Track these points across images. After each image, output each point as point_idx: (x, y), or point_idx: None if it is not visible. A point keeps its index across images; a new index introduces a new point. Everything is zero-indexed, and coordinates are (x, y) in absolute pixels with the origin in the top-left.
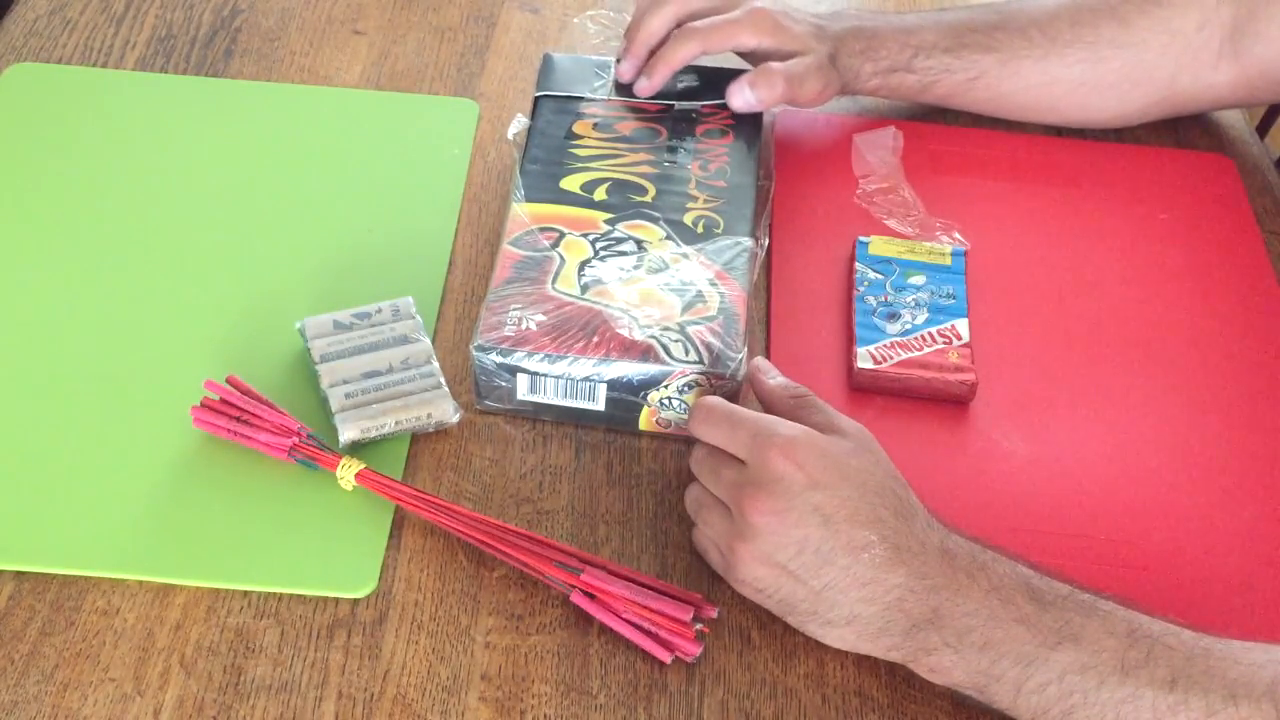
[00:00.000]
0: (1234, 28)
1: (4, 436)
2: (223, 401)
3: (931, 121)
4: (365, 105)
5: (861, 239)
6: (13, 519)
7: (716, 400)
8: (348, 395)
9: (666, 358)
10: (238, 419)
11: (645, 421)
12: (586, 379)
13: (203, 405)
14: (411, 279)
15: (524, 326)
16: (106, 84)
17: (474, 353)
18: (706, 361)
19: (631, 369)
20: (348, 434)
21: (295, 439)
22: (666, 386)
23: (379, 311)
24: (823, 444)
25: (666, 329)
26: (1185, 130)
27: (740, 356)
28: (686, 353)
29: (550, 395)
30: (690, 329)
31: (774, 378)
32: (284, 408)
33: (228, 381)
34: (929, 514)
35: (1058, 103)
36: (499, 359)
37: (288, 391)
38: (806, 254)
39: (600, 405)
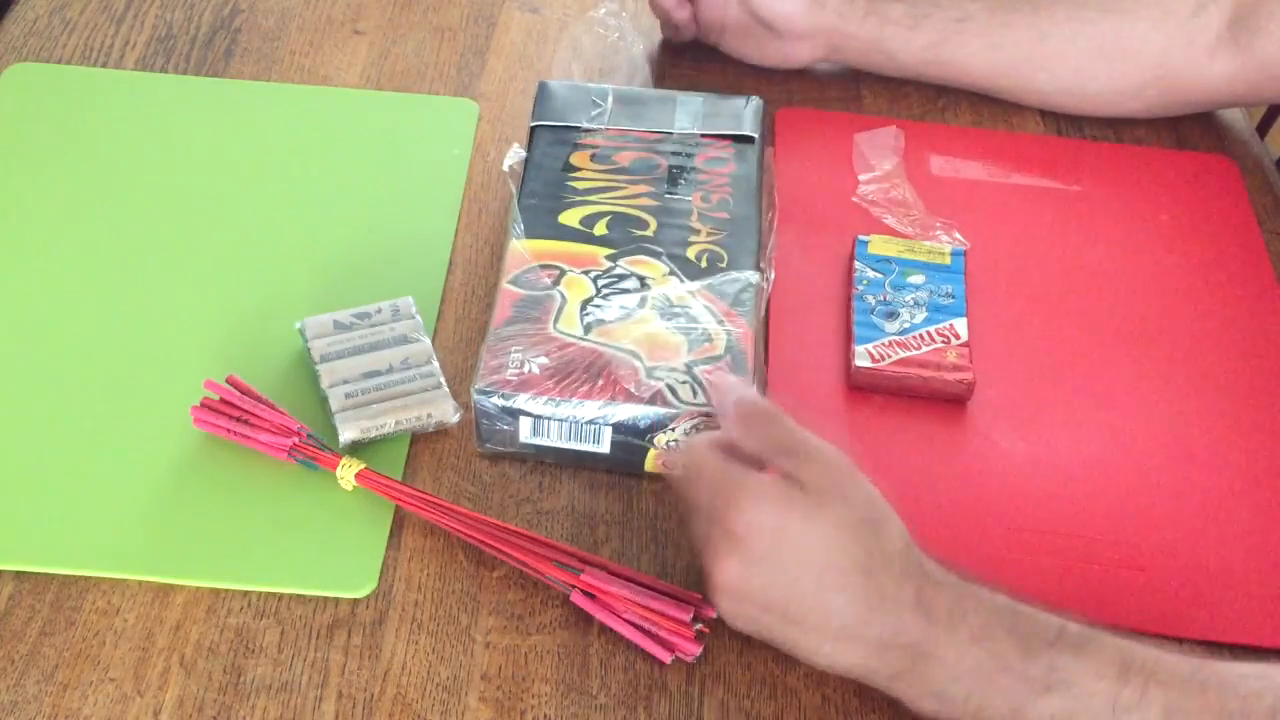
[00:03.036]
0: (1234, 19)
1: (4, 436)
2: (223, 401)
3: (931, 121)
4: (365, 105)
5: (861, 238)
6: (13, 519)
7: (685, 450)
8: (348, 395)
9: (674, 400)
10: (238, 419)
11: (650, 464)
12: (591, 422)
13: (203, 405)
14: (411, 279)
15: (526, 369)
16: (106, 84)
17: (475, 396)
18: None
19: (638, 412)
20: (348, 434)
21: (295, 439)
22: (673, 429)
23: (379, 311)
24: (778, 513)
25: (673, 370)
26: (1185, 130)
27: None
28: (695, 395)
29: (554, 438)
30: (698, 369)
31: (730, 398)
32: (284, 408)
33: (228, 381)
34: (909, 548)
35: (1050, 63)
36: (501, 402)
37: (288, 391)
38: (806, 253)
39: (605, 448)
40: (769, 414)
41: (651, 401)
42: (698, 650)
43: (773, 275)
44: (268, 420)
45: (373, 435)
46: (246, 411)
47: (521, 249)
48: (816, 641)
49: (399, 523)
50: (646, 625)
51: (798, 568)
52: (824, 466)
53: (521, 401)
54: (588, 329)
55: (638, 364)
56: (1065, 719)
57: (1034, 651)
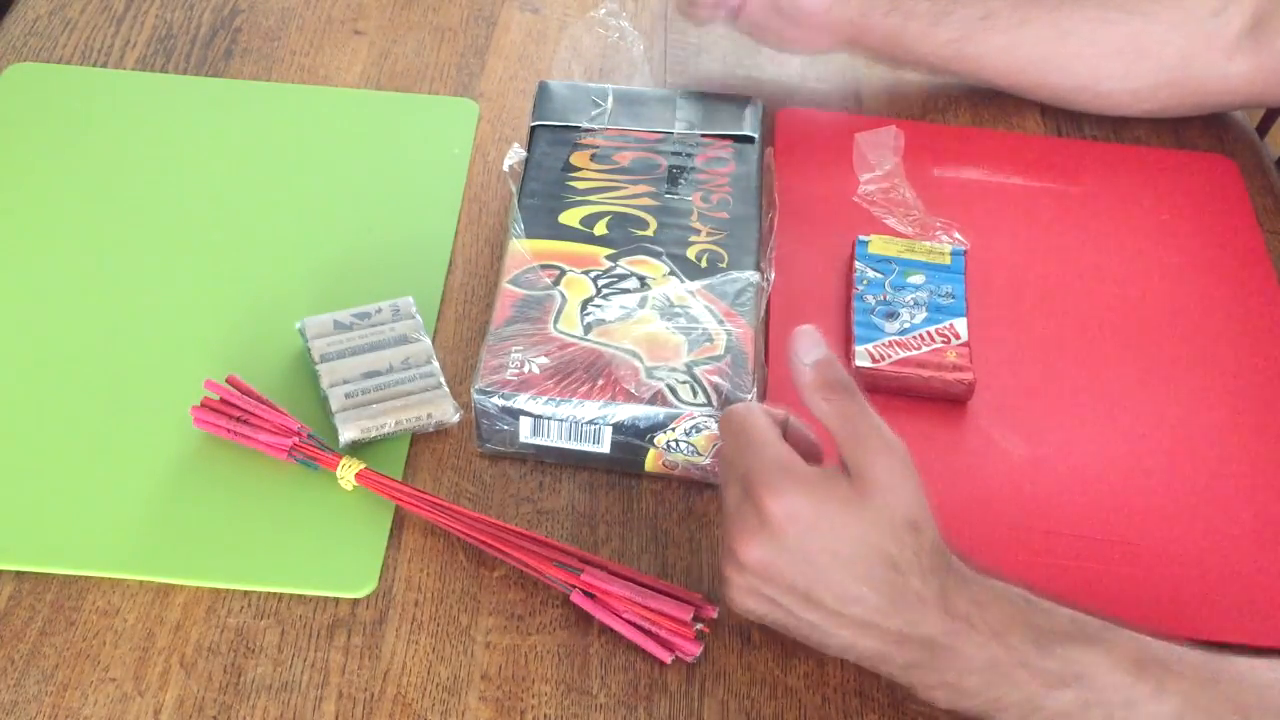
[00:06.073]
0: (1256, 20)
1: (4, 437)
2: (223, 401)
3: (932, 121)
4: (365, 105)
5: (861, 238)
6: (13, 519)
7: (738, 411)
8: (348, 395)
9: (675, 400)
10: (238, 419)
11: (651, 463)
12: (592, 422)
13: (203, 405)
14: (411, 279)
15: (526, 369)
16: (106, 84)
17: (475, 396)
18: (715, 404)
19: (639, 412)
20: (348, 434)
21: (295, 439)
22: (674, 429)
23: (379, 311)
24: (816, 504)
25: (673, 370)
26: (1185, 130)
27: (749, 397)
28: (695, 395)
29: (554, 438)
30: (698, 369)
31: (810, 357)
32: (284, 408)
33: (228, 381)
34: (937, 544)
35: (1069, 62)
36: (501, 402)
37: (288, 391)
38: (806, 253)
39: (605, 448)
40: (848, 386)
41: (651, 401)
42: (698, 650)
43: (773, 275)
44: (268, 420)
45: (373, 435)
46: (246, 411)
47: (521, 249)
48: (834, 627)
49: (399, 523)
50: (646, 625)
51: (827, 556)
52: (886, 461)
53: (521, 401)
54: (588, 329)
55: (638, 364)
56: (1081, 710)
57: (1050, 645)
